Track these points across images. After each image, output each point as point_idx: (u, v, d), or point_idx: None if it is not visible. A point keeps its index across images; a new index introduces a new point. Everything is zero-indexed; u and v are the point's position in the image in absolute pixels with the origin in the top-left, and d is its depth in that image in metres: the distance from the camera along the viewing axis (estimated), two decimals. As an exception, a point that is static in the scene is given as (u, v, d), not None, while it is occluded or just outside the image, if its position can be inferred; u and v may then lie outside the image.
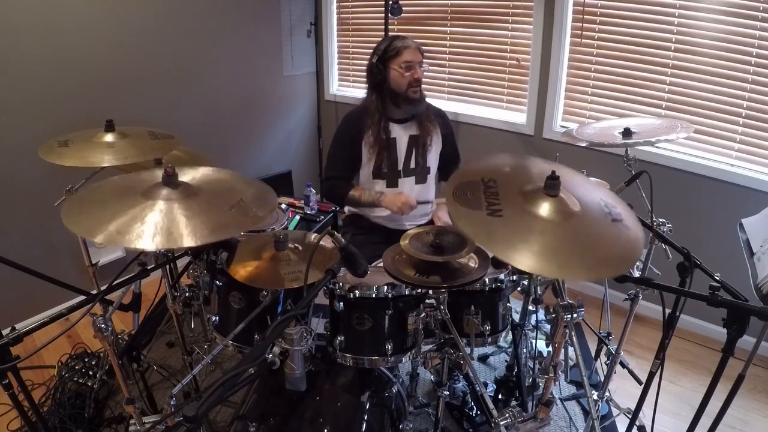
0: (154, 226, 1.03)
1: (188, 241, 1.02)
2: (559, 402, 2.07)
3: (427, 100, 2.11)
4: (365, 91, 2.12)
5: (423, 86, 2.03)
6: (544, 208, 1.04)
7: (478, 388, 1.50)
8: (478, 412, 1.91)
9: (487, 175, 1.14)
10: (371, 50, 2.06)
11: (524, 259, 0.95)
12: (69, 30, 2.40)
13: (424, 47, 2.05)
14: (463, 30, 3.08)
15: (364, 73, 2.10)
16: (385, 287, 1.35)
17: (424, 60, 2.04)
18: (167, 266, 1.61)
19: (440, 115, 2.20)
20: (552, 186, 1.04)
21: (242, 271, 1.31)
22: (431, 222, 2.19)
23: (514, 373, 1.94)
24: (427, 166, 2.14)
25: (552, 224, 1.02)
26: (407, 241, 1.35)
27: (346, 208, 2.30)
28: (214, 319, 1.46)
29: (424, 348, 1.45)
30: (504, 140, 3.04)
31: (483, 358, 2.34)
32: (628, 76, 2.57)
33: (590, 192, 1.15)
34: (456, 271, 1.31)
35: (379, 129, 2.03)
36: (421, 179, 2.15)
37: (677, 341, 2.49)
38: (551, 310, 1.18)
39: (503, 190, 1.09)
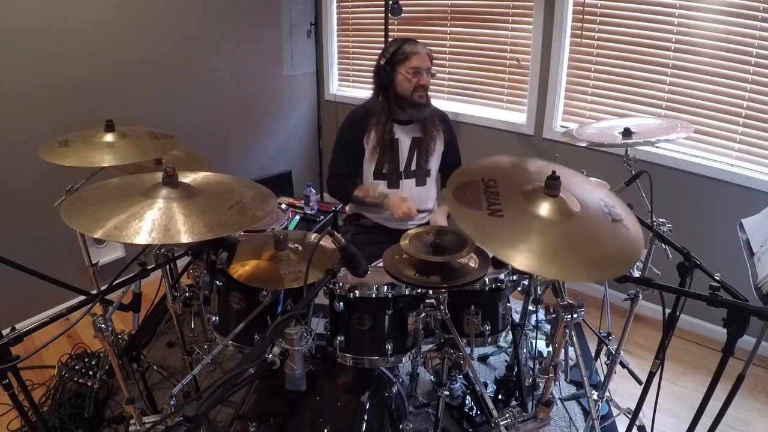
0: (152, 223, 1.03)
1: (185, 238, 1.02)
2: (559, 402, 2.07)
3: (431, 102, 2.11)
4: (370, 90, 2.12)
5: (424, 87, 2.03)
6: (545, 208, 1.03)
7: (478, 388, 1.50)
8: (478, 412, 1.91)
9: (486, 175, 1.13)
10: (371, 50, 2.07)
11: (524, 260, 0.95)
12: (69, 30, 2.40)
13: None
14: (463, 30, 3.08)
15: (364, 73, 2.10)
16: (385, 287, 1.35)
17: (433, 66, 2.03)
18: (167, 266, 1.61)
19: (444, 120, 2.20)
20: (552, 186, 1.04)
21: (242, 271, 1.31)
22: (429, 223, 2.19)
23: (514, 373, 1.94)
24: (427, 169, 2.15)
25: (552, 224, 1.02)
26: (407, 241, 1.35)
27: (347, 207, 2.30)
28: (214, 319, 1.46)
29: (424, 348, 1.45)
30: (504, 140, 3.04)
31: (483, 358, 2.34)
32: (628, 76, 2.57)
33: (590, 192, 1.15)
34: (456, 271, 1.31)
35: (383, 129, 2.04)
36: (421, 182, 2.15)
37: (677, 341, 2.49)
38: (551, 310, 1.18)
39: (503, 189, 1.09)
